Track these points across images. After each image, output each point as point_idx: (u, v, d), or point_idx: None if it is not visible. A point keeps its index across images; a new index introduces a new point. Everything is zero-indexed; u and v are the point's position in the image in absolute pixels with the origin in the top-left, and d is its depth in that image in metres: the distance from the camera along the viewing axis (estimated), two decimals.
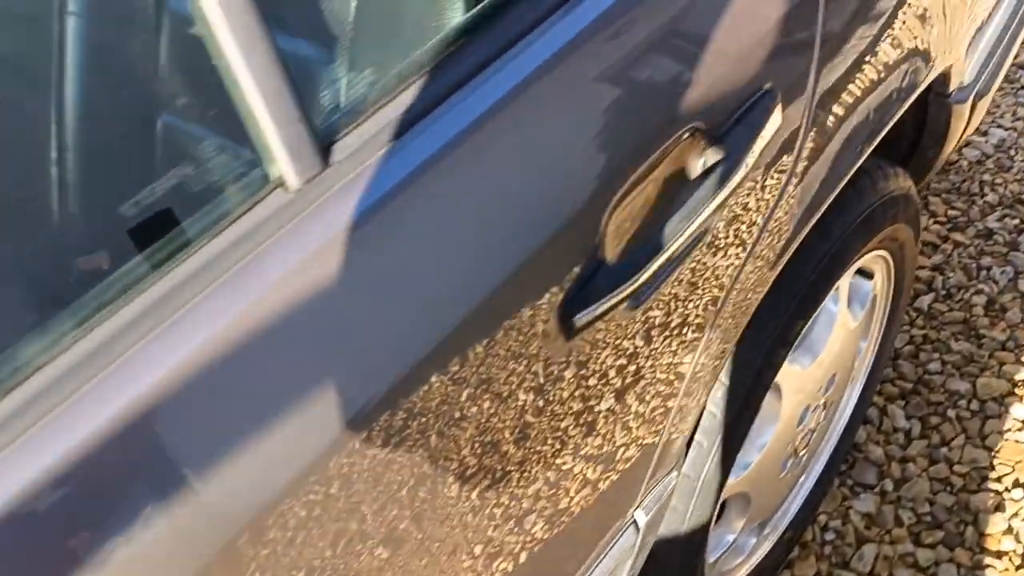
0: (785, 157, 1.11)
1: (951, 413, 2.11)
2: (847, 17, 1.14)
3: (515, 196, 0.81)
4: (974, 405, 2.12)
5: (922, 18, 1.32)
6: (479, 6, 0.81)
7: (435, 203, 0.76)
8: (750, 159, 0.98)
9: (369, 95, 0.75)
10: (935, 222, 2.47)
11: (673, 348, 1.07)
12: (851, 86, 1.19)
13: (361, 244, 0.71)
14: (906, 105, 1.38)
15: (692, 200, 0.95)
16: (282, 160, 0.69)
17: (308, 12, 0.90)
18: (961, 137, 1.79)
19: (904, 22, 1.26)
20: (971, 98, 1.67)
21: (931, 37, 1.37)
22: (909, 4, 1.25)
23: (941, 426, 2.09)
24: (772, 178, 1.10)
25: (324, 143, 0.72)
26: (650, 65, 0.91)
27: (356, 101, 0.75)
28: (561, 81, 0.83)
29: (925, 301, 2.30)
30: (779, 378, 1.45)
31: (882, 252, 1.63)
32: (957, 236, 2.42)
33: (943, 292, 2.32)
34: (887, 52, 1.24)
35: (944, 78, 1.58)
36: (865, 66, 1.21)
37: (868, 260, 1.62)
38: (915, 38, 1.31)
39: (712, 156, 0.96)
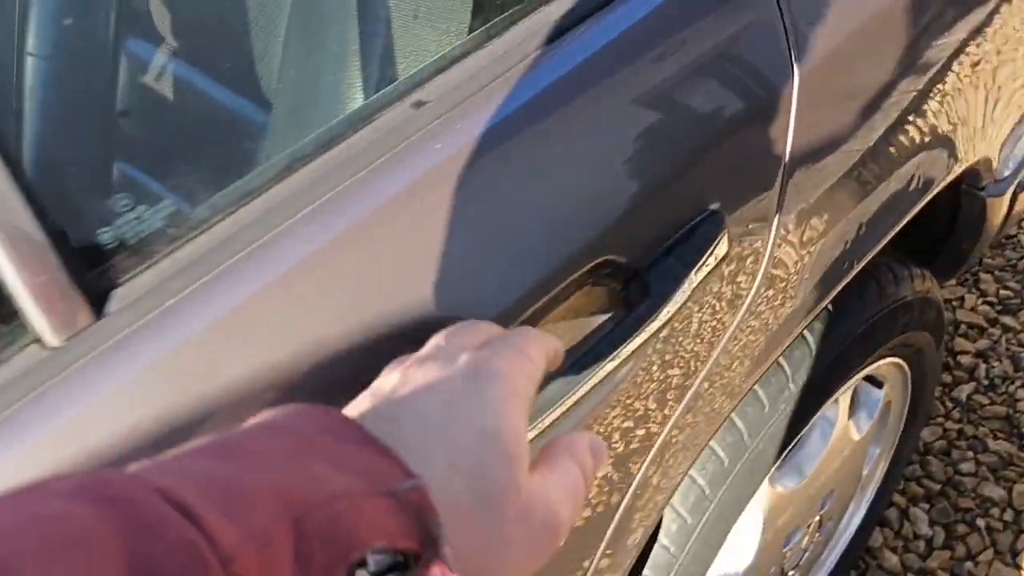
0: (741, 281, 0.96)
1: (981, 523, 1.91)
2: (832, 116, 0.98)
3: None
4: (1008, 515, 1.91)
5: (937, 114, 1.15)
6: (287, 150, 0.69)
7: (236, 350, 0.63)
8: (680, 296, 0.83)
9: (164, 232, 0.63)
10: (984, 302, 2.26)
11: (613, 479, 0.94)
12: (839, 194, 1.03)
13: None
14: (918, 207, 1.21)
15: (606, 341, 0.80)
16: (34, 314, 0.58)
17: (87, 135, 0.78)
18: (1002, 229, 1.61)
19: (911, 119, 1.09)
20: (1010, 190, 1.49)
21: (952, 133, 1.20)
22: (914, 101, 1.08)
23: (968, 537, 1.90)
24: (722, 307, 0.95)
25: (98, 291, 0.60)
26: (558, 181, 0.76)
27: (145, 239, 0.63)
28: (429, 207, 0.70)
29: (964, 391, 2.10)
30: (755, 502, 1.29)
31: (894, 359, 1.45)
32: (1007, 320, 2.21)
33: (985, 382, 2.11)
34: (886, 156, 1.07)
35: (975, 171, 1.40)
36: (859, 171, 1.04)
37: (877, 369, 1.44)
38: (928, 135, 1.14)
39: (634, 292, 0.82)
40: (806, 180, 0.96)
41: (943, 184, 1.26)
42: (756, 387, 1.20)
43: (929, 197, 1.22)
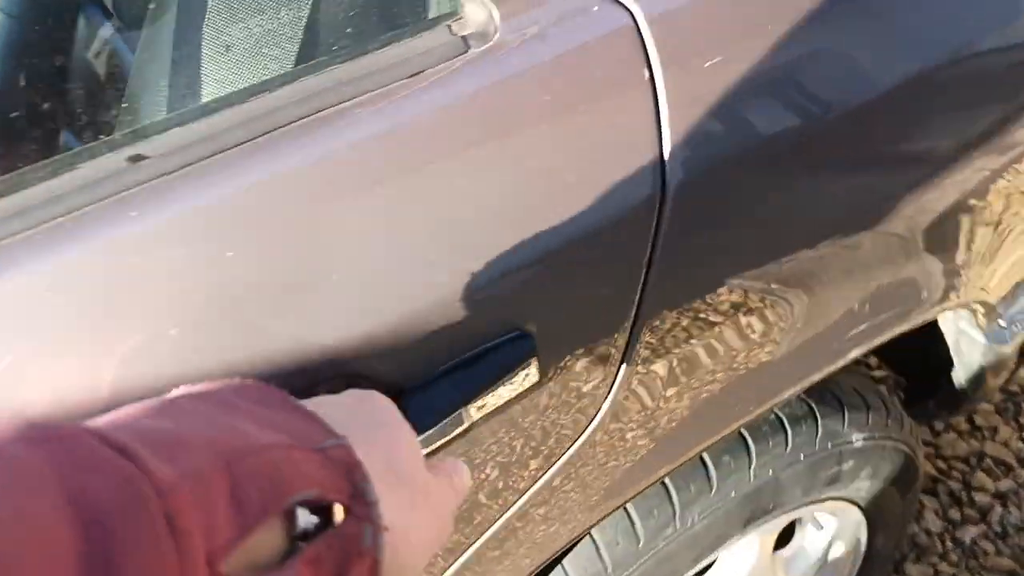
0: (571, 418, 0.81)
1: None
2: (719, 221, 0.82)
3: None
4: None
5: (898, 237, 0.97)
6: None
7: None
8: (450, 428, 0.69)
9: None
10: (1021, 438, 2.02)
11: None
12: (726, 332, 0.87)
13: None
14: (865, 350, 1.03)
15: None
16: None
17: None
18: (1010, 376, 1.40)
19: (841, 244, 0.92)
20: (1017, 340, 1.29)
21: (915, 266, 1.02)
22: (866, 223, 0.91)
23: None
24: (545, 442, 0.81)
25: None
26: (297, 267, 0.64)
27: None
28: None
29: (970, 533, 1.88)
30: None
31: (841, 505, 1.28)
32: None
33: (997, 528, 1.89)
34: (793, 279, 0.90)
35: (973, 313, 1.21)
36: (774, 299, 0.88)
37: (815, 510, 1.27)
38: (875, 264, 0.97)
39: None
40: (672, 303, 0.81)
41: (907, 326, 1.08)
42: (634, 516, 1.06)
43: (880, 341, 1.04)
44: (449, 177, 0.66)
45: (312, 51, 0.73)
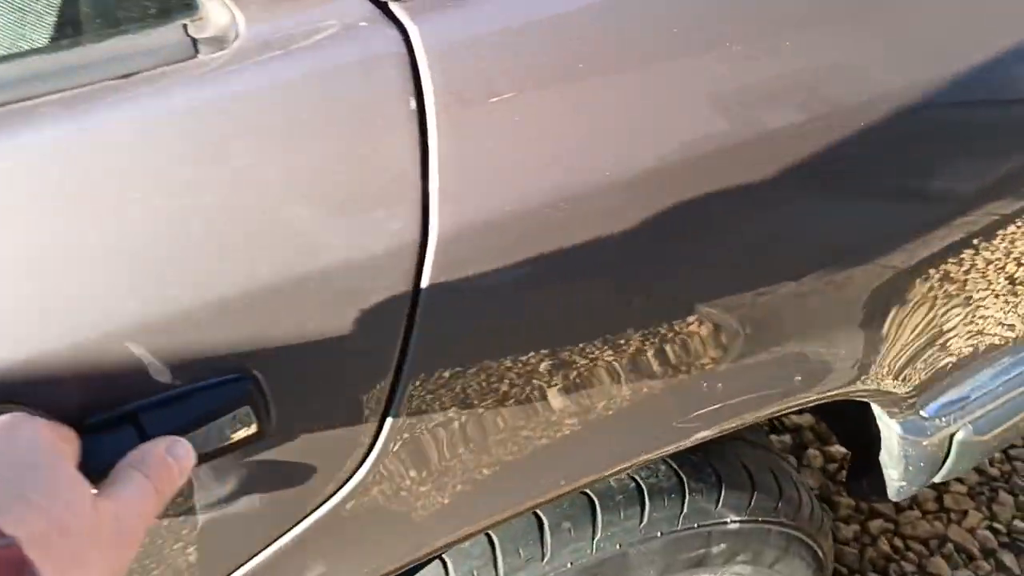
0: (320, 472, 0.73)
1: None
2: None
3: None
4: None
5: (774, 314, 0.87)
6: None
7: None
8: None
9: None
10: (989, 526, 1.88)
11: None
12: (507, 405, 0.78)
13: None
14: (716, 431, 0.93)
15: None
16: None
17: None
18: (944, 472, 1.28)
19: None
20: (940, 435, 1.17)
21: (786, 347, 0.91)
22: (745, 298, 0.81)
23: None
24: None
25: None
26: None
27: None
28: None
29: None
30: None
31: None
32: (1007, 558, 1.83)
33: None
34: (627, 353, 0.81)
35: (882, 402, 1.10)
36: (579, 370, 0.79)
37: None
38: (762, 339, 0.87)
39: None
40: (441, 362, 0.72)
41: (784, 407, 0.97)
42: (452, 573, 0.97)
43: (733, 427, 0.93)
44: (145, 197, 0.59)
45: (20, 32, 0.65)
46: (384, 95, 0.62)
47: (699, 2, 0.71)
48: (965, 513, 1.89)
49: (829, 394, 0.99)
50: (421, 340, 0.69)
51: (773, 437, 2.01)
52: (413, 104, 0.63)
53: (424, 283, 0.67)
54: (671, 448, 0.90)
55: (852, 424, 1.29)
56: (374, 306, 0.67)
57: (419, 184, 0.64)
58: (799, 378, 0.94)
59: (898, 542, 1.85)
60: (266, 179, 0.60)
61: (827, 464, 1.97)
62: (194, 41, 0.61)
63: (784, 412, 0.97)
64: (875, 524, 1.87)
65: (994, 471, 1.96)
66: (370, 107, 0.62)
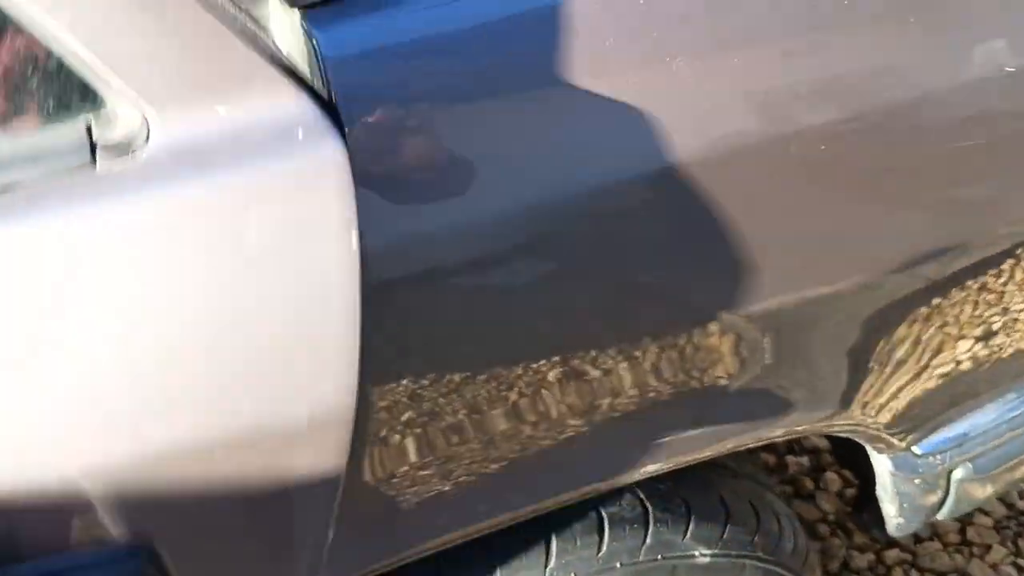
0: None
1: None
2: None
3: None
4: None
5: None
6: None
7: None
8: None
9: None
10: (1015, 563, 1.78)
11: None
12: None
13: None
14: (660, 468, 0.87)
15: None
16: None
17: None
18: (946, 511, 1.21)
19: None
20: (934, 473, 1.10)
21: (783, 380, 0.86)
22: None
23: None
24: None
25: None
26: None
27: None
28: None
29: None
30: None
31: None
32: None
33: None
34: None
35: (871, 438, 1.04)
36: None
37: None
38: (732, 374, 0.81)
39: None
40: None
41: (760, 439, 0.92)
42: None
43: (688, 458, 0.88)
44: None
45: None
46: (323, 225, 0.53)
47: None
48: (989, 547, 1.80)
49: (798, 430, 0.93)
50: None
51: (790, 458, 1.93)
52: (355, 241, 0.54)
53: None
54: (623, 480, 0.85)
55: (857, 454, 1.23)
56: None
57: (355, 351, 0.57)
58: (764, 411, 0.88)
59: (915, 575, 1.77)
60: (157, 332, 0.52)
61: (845, 488, 1.90)
62: (92, 147, 0.52)
63: (745, 447, 0.91)
64: (891, 554, 1.79)
65: (1023, 505, 1.86)
66: (304, 242, 0.53)
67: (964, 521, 1.84)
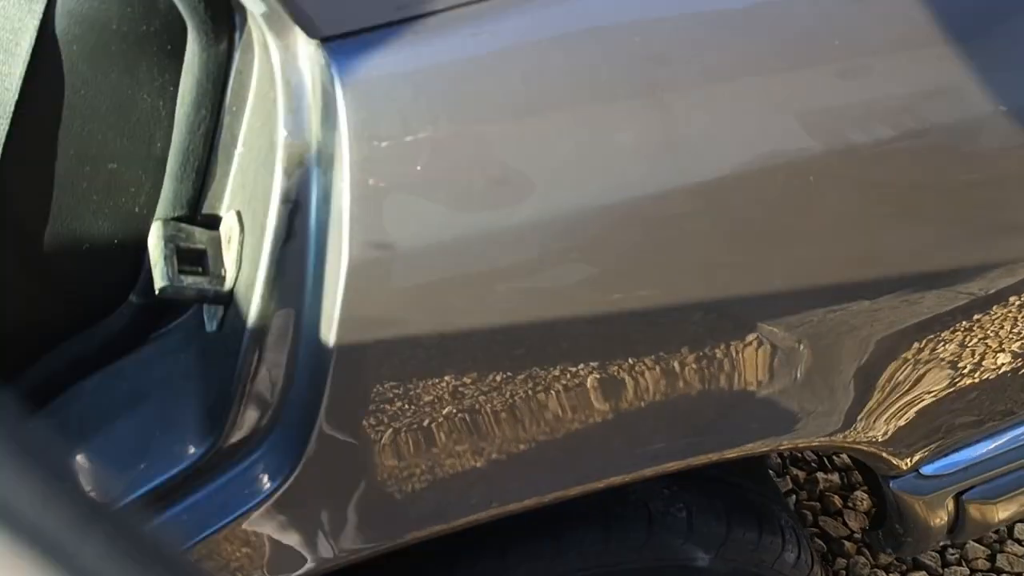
0: None
1: None
2: None
3: None
4: None
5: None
6: None
7: None
8: None
9: None
10: None
11: None
12: None
13: None
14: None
15: None
16: None
17: None
18: (957, 533, 1.22)
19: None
20: (941, 493, 1.11)
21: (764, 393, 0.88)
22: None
23: None
24: None
25: None
26: None
27: None
28: None
29: None
30: None
31: None
32: None
33: None
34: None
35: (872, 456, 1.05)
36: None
37: None
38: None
39: None
40: None
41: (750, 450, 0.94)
42: None
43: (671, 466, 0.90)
44: None
45: None
46: None
47: None
48: None
49: (801, 444, 0.95)
50: None
51: (820, 475, 1.93)
52: None
53: None
54: (623, 480, 0.88)
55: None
56: None
57: None
58: (756, 425, 0.90)
59: None
60: None
61: (874, 508, 1.89)
62: None
63: (732, 458, 0.93)
64: None
65: None
66: None
67: (996, 547, 1.82)
